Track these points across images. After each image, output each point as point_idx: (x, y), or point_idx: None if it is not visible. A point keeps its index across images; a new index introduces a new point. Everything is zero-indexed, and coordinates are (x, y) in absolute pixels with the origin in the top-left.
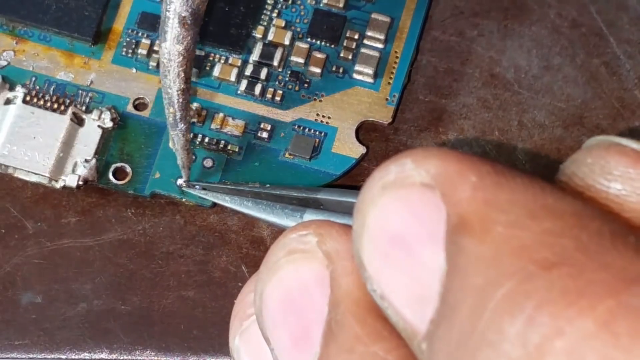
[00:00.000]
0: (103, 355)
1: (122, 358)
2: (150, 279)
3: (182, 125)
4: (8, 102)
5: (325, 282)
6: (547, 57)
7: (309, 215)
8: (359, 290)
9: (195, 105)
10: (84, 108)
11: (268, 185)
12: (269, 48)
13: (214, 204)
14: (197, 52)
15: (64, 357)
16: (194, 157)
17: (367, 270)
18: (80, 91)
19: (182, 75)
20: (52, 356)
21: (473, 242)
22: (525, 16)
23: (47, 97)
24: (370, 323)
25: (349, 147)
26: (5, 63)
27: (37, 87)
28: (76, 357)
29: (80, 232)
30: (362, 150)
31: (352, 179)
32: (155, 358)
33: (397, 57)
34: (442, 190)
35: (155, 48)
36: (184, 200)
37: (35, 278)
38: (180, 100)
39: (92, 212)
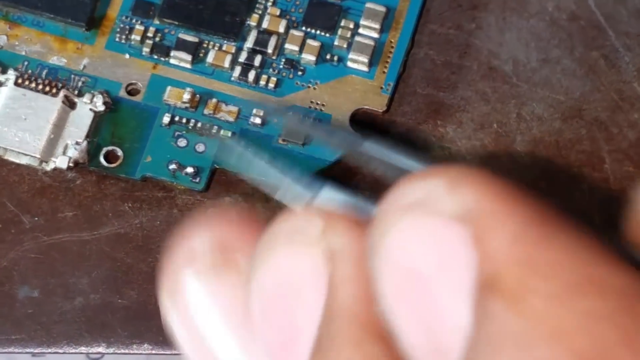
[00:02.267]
0: (100, 349)
1: (119, 352)
2: (147, 272)
3: None
4: (2, 87)
5: (322, 281)
6: (545, 49)
7: (326, 193)
8: (358, 304)
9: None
10: (76, 92)
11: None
12: (264, 35)
13: (206, 188)
14: (192, 39)
15: (61, 351)
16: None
17: (382, 298)
18: (72, 76)
19: None
20: (49, 350)
21: (505, 311)
22: (523, 9)
23: (39, 81)
24: (367, 349)
25: None
26: None
27: (30, 71)
28: (73, 351)
29: (77, 226)
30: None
31: (346, 168)
32: (153, 352)
33: (392, 47)
34: (475, 232)
35: (149, 34)
36: (175, 183)
37: (32, 272)
38: None
39: (89, 206)
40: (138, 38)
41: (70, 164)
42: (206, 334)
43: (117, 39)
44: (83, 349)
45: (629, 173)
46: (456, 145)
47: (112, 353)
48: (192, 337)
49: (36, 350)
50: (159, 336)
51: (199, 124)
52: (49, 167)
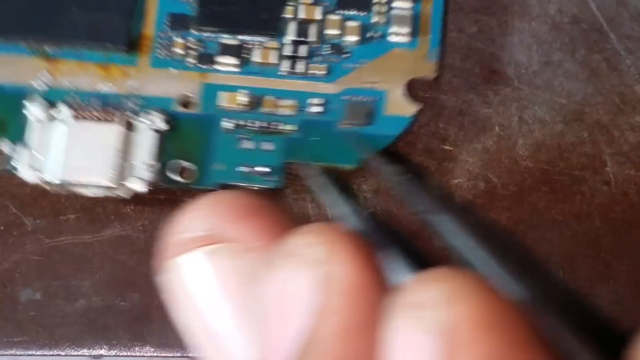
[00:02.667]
0: (102, 352)
1: (121, 354)
2: (150, 275)
3: None
4: (55, 122)
5: (311, 306)
6: (547, 53)
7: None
8: (338, 340)
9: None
10: (132, 115)
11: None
12: (303, 25)
13: (283, 185)
14: (233, 42)
15: (63, 353)
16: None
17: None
18: (124, 99)
19: None
20: (51, 353)
21: None
22: (525, 12)
23: (93, 111)
24: None
25: (400, 107)
26: (43, 84)
27: (80, 102)
28: (75, 353)
29: (79, 228)
30: (414, 108)
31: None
32: (155, 354)
33: (428, 14)
34: (446, 349)
35: (190, 45)
36: (253, 186)
37: (34, 275)
38: None
39: (91, 209)
40: (180, 51)
41: (146, 187)
42: (203, 308)
43: (159, 56)
44: (85, 352)
45: (631, 176)
46: (458, 148)
47: (114, 356)
48: (189, 312)
49: (38, 353)
50: (161, 339)
51: (261, 124)
52: (124, 193)
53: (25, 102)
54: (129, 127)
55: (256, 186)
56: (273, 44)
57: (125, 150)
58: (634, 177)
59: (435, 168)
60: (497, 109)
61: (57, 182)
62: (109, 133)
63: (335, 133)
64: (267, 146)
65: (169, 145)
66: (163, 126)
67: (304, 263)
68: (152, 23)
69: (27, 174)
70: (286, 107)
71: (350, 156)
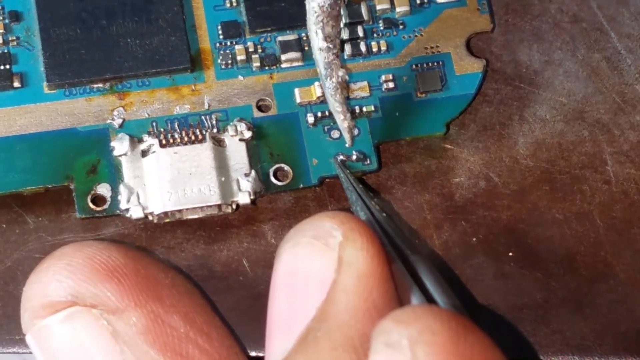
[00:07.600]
0: None
1: None
2: None
3: (327, 84)
4: (145, 154)
5: (326, 284)
6: (548, 51)
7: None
8: (350, 316)
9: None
10: (215, 130)
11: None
12: (352, 7)
13: (379, 168)
14: (291, 37)
15: None
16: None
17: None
18: (203, 117)
19: (320, 33)
20: None
21: None
22: (526, 11)
23: (176, 135)
24: (343, 358)
25: (469, 65)
26: (121, 121)
27: (163, 130)
28: None
29: (80, 226)
30: (481, 63)
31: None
32: None
33: None
34: None
35: (250, 50)
36: (350, 172)
37: None
38: (319, 59)
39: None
40: (243, 57)
41: (252, 197)
42: None
43: (223, 67)
44: None
45: (631, 175)
46: (459, 147)
47: None
48: None
49: None
50: None
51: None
52: (231, 209)
53: (111, 142)
54: (217, 142)
55: (355, 172)
56: None
57: (223, 167)
58: (634, 175)
59: (436, 167)
60: (497, 108)
61: (164, 212)
62: (203, 153)
63: (415, 104)
64: (353, 132)
65: (259, 151)
66: (248, 135)
67: (321, 245)
68: (205, 36)
69: (133, 211)
70: (360, 89)
71: (436, 124)
